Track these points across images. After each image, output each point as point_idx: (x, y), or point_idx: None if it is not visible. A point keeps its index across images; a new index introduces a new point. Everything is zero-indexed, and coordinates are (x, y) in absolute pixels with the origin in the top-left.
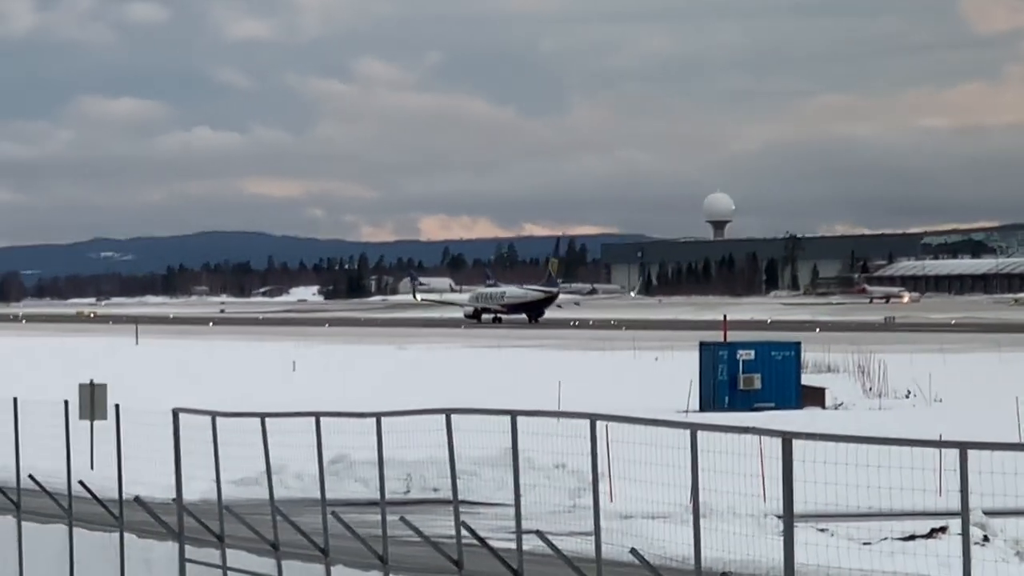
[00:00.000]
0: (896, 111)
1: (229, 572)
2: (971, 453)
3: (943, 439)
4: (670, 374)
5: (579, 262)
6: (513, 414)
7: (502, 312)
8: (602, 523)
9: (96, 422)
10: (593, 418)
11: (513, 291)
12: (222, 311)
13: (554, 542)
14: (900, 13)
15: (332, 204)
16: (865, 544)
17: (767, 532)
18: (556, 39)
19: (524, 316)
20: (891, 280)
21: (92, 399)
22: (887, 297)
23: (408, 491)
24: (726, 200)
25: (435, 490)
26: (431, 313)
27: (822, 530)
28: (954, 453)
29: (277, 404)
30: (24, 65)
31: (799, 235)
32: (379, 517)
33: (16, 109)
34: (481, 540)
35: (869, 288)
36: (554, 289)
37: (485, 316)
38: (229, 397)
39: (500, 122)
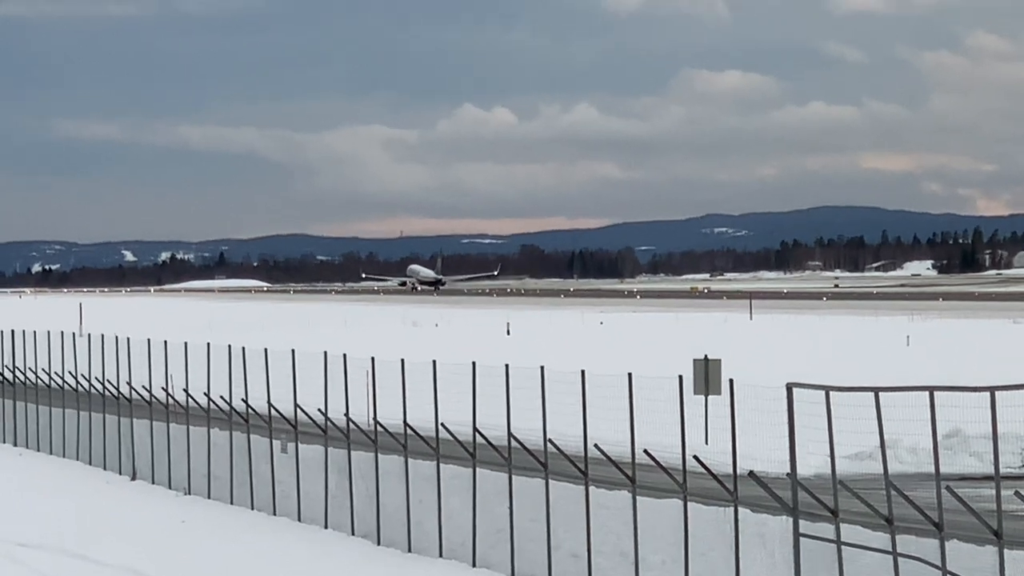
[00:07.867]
0: None
1: (843, 547)
2: None
3: None
4: None
5: None
6: None
7: (419, 284)
8: None
9: (710, 397)
10: None
11: (425, 271)
12: (836, 285)
13: None
14: None
15: (947, 178)
16: None
17: None
18: None
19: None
20: None
21: (707, 374)
22: None
23: (1023, 465)
24: None
25: None
26: None
27: None
28: None
29: (890, 378)
30: (631, 40)
31: None
32: (993, 492)
33: (625, 85)
34: None
35: None
36: (440, 276)
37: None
38: (842, 371)
39: None
